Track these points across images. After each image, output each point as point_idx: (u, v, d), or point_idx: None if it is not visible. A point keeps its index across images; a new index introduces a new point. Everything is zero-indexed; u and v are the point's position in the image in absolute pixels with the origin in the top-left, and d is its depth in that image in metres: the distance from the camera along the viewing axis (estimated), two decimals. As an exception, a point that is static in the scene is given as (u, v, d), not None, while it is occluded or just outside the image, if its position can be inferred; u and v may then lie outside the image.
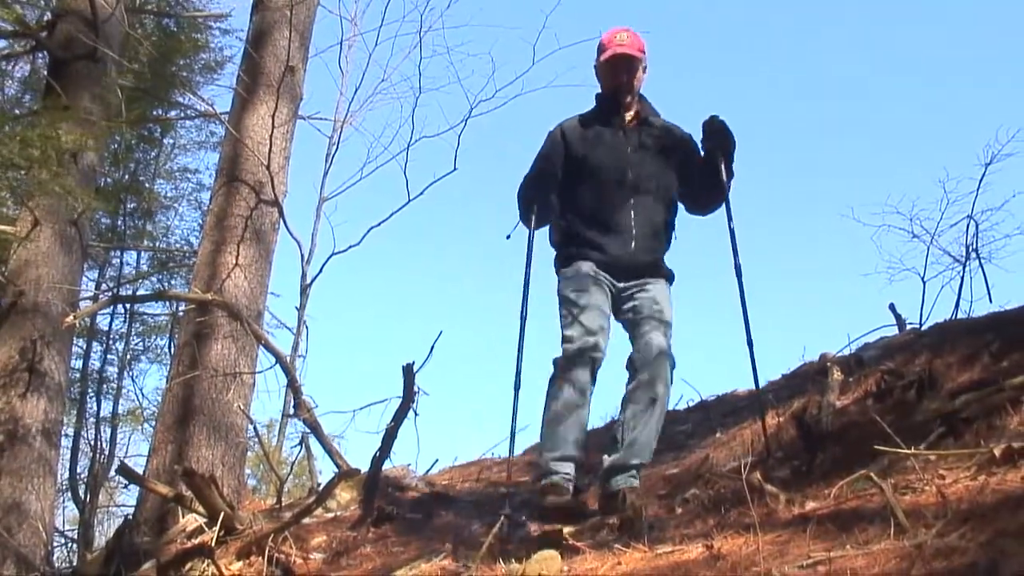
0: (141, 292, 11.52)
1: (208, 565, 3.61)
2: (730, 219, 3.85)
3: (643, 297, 3.69)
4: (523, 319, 3.71)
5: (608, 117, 3.87)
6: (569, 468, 3.48)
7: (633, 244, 3.73)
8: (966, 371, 3.77)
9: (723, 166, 3.79)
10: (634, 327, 3.68)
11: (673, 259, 3.90)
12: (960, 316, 6.13)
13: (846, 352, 5.06)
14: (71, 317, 5.21)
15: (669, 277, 3.83)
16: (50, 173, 6.22)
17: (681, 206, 3.93)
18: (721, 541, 2.56)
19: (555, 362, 3.62)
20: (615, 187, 3.77)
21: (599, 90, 3.95)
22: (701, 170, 3.85)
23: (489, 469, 5.78)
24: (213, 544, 3.67)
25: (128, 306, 11.80)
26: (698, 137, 3.87)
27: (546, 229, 3.95)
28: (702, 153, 3.88)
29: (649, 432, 3.52)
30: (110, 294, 10.90)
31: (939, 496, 2.43)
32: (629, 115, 3.87)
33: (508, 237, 3.84)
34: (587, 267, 3.72)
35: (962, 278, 7.14)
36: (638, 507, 3.28)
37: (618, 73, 3.82)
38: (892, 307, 5.74)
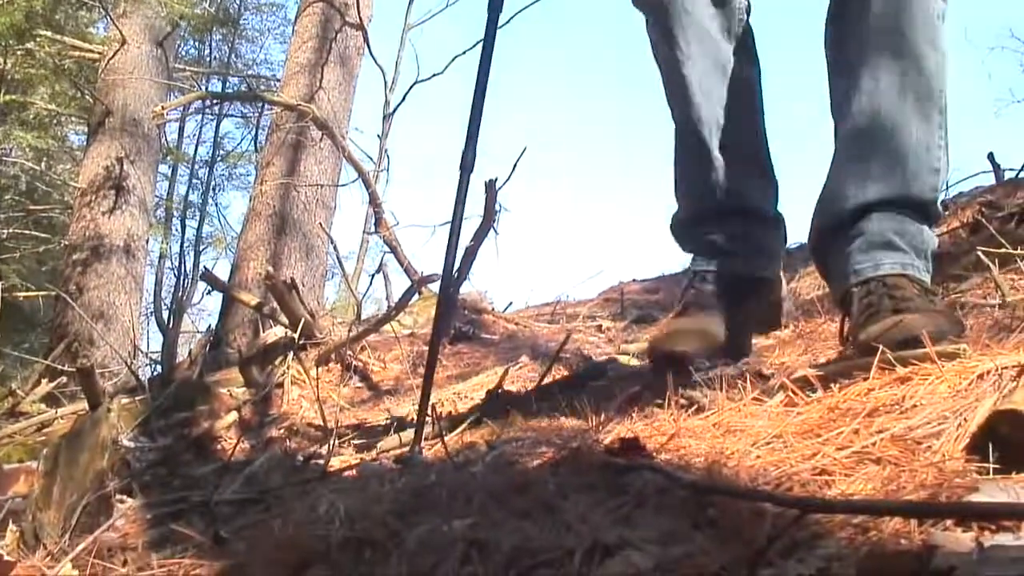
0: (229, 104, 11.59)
1: (290, 367, 3.67)
2: None
3: None
4: None
5: None
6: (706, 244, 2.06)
7: None
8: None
9: None
10: None
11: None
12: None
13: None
14: (160, 107, 5.21)
15: None
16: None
17: None
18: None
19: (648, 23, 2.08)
20: None
21: None
22: None
23: (564, 311, 5.76)
24: (295, 344, 3.73)
25: (215, 131, 11.88)
26: None
27: None
28: None
29: (896, 110, 1.74)
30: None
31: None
32: None
33: None
34: None
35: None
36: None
37: None
38: (991, 156, 5.45)
